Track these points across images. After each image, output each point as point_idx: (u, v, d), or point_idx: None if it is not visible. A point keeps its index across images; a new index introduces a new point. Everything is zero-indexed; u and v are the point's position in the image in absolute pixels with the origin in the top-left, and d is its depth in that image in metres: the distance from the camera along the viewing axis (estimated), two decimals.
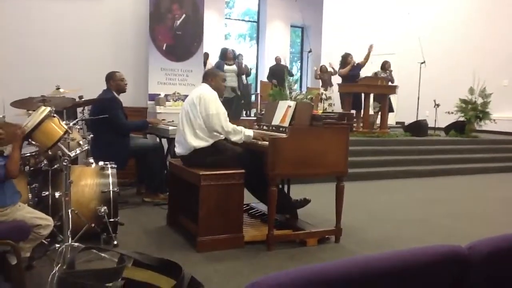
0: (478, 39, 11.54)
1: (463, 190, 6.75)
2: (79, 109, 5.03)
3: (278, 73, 11.28)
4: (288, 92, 7.69)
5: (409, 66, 11.25)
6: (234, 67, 9.93)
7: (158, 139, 5.60)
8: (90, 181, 3.57)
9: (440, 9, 12.57)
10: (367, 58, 9.84)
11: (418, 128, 9.37)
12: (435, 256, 1.15)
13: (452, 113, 9.81)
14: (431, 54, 11.24)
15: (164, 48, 6.80)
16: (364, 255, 1.13)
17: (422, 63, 10.60)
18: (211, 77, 3.96)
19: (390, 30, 13.01)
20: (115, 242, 3.48)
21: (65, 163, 2.97)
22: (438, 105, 9.90)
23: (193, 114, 3.75)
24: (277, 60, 12.01)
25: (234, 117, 6.42)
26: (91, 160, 3.83)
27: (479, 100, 9.66)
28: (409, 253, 1.14)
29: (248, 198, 4.18)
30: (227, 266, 3.26)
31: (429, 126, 9.64)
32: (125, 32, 6.70)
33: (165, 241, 3.80)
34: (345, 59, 9.83)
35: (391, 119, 10.99)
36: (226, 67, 9.64)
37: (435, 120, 9.99)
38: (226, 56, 9.92)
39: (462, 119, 9.83)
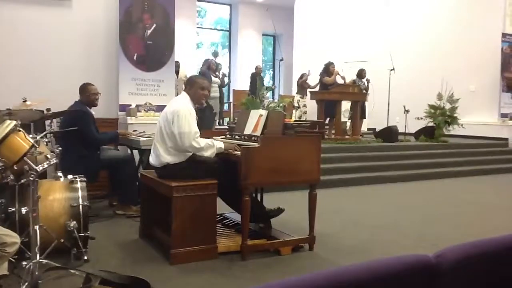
0: (446, 45, 11.82)
1: (435, 194, 6.87)
2: (47, 122, 4.92)
3: (254, 81, 11.40)
4: (259, 100, 7.72)
5: (379, 73, 11.43)
6: (217, 79, 10.00)
7: (129, 151, 5.53)
8: (59, 195, 3.49)
9: (409, 16, 12.85)
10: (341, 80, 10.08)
11: (389, 134, 9.52)
12: (403, 267, 1.16)
13: (421, 118, 10.02)
14: (400, 61, 11.45)
15: (135, 58, 6.74)
16: (334, 267, 1.13)
17: (391, 70, 10.80)
18: (189, 85, 3.89)
19: (361, 37, 13.21)
20: (86, 258, 3.40)
21: (32, 178, 2.89)
22: (407, 111, 10.08)
23: (166, 132, 3.70)
24: (258, 69, 12.09)
25: (206, 127, 6.39)
26: (60, 174, 3.75)
27: (447, 106, 9.90)
28: (377, 264, 1.14)
29: (222, 208, 4.16)
30: (201, 278, 3.22)
31: (399, 131, 9.80)
32: (95, 42, 6.62)
33: (138, 254, 3.74)
34: (328, 67, 9.94)
35: (364, 125, 11.15)
36: (214, 78, 9.71)
37: (405, 126, 10.18)
38: (210, 67, 9.95)
39: (431, 124, 10.03)
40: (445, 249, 1.28)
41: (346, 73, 10.68)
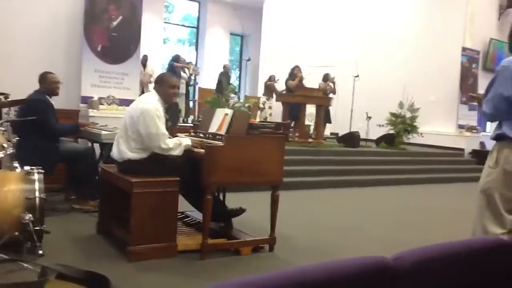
0: (409, 56, 12.11)
1: (394, 199, 7.03)
2: (4, 110, 4.74)
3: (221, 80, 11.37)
4: (225, 99, 7.70)
5: (344, 78, 11.61)
6: (185, 75, 9.88)
7: (90, 144, 5.39)
8: (14, 186, 3.36)
9: (375, 25, 13.10)
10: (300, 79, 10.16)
11: (351, 139, 9.68)
12: (361, 268, 1.17)
13: (382, 125, 10.24)
14: (365, 68, 11.68)
15: (99, 49, 6.60)
16: (293, 267, 1.13)
17: (356, 76, 10.99)
18: (158, 83, 3.83)
19: (327, 42, 13.37)
20: (40, 252, 3.29)
21: None
22: (370, 118, 10.30)
23: (131, 129, 3.62)
24: (226, 67, 12.06)
25: (172, 124, 6.31)
26: (16, 165, 3.62)
27: (408, 114, 10.16)
28: (336, 265, 1.15)
29: (184, 206, 4.12)
30: (159, 276, 3.18)
31: (361, 137, 9.98)
32: (57, 30, 6.44)
33: (95, 250, 3.65)
34: (292, 71, 10.04)
35: (328, 130, 11.30)
36: (182, 74, 9.59)
37: (367, 132, 10.37)
38: (179, 62, 9.83)
39: (392, 131, 10.27)
40: (403, 251, 1.31)
41: (312, 77, 10.80)
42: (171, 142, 3.62)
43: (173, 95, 3.87)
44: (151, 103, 3.66)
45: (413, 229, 5.08)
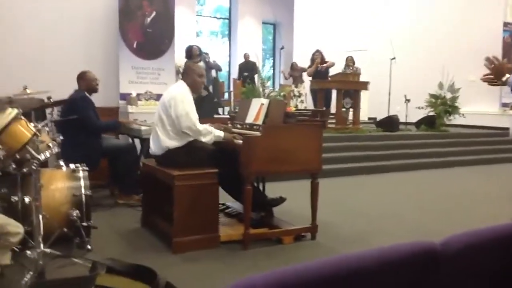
0: (447, 35, 11.75)
1: (435, 184, 6.87)
2: (48, 110, 4.89)
3: (247, 69, 11.30)
4: (261, 89, 7.69)
5: (380, 62, 11.38)
6: (201, 63, 9.78)
7: (130, 139, 5.51)
8: (61, 184, 3.48)
9: (411, 5, 12.76)
10: (329, 65, 9.99)
11: (389, 123, 9.50)
12: (409, 254, 1.16)
13: (422, 108, 9.99)
14: (401, 50, 11.40)
15: (134, 46, 6.71)
16: (338, 255, 1.13)
17: (392, 59, 10.74)
18: (186, 73, 3.93)
19: (361, 26, 13.12)
20: (89, 247, 3.41)
21: (34, 167, 2.89)
22: (408, 101, 10.06)
23: (166, 116, 3.72)
24: (246, 57, 11.97)
25: (207, 116, 6.36)
26: (62, 163, 3.74)
27: (448, 95, 9.87)
28: (383, 251, 1.14)
29: (225, 197, 4.16)
30: (203, 266, 3.23)
31: (400, 121, 9.78)
32: (94, 30, 6.58)
33: (140, 243, 3.75)
34: (313, 56, 9.93)
35: (364, 114, 11.12)
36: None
37: (406, 115, 10.15)
38: (192, 53, 9.77)
39: (432, 114, 10.02)
40: (450, 236, 1.29)
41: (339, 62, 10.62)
42: (200, 126, 3.69)
43: (201, 84, 3.98)
44: (179, 90, 3.78)
45: (457, 214, 4.95)
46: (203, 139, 3.69)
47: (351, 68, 10.21)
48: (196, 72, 3.90)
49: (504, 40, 11.08)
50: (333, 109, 9.34)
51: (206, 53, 11.18)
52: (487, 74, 2.73)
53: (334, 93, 9.26)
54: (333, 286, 1.06)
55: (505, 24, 11.08)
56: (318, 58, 9.87)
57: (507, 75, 2.62)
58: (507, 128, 10.68)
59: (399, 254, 1.17)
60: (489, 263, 1.34)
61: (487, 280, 1.34)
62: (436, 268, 1.20)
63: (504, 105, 11.05)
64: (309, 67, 10.08)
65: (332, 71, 10.10)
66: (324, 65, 10.02)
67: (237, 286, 0.95)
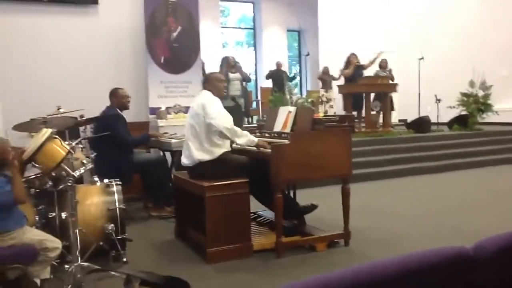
0: (475, 31, 11.52)
1: (471, 184, 6.71)
2: (81, 128, 5.04)
3: (278, 78, 11.30)
4: (288, 97, 7.69)
5: (408, 62, 11.23)
6: (238, 74, 9.87)
7: (161, 153, 5.61)
8: (96, 199, 3.58)
9: (437, 3, 12.57)
10: (372, 62, 9.83)
11: (421, 124, 9.34)
12: (441, 259, 1.15)
13: (454, 107, 9.79)
14: (429, 50, 11.22)
15: (162, 61, 6.82)
16: (372, 261, 1.12)
17: (420, 59, 10.58)
18: (206, 82, 4.00)
19: (387, 27, 13.01)
20: (125, 259, 3.48)
21: (69, 183, 2.98)
22: (439, 100, 9.87)
23: (198, 125, 3.76)
24: (278, 65, 11.99)
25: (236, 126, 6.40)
26: (96, 179, 3.84)
27: (480, 93, 9.64)
28: (414, 257, 1.13)
29: (256, 206, 4.18)
30: (237, 276, 3.25)
31: (432, 121, 9.60)
32: (122, 47, 6.73)
33: (174, 254, 3.80)
34: (348, 59, 9.81)
35: (394, 117, 10.97)
36: (230, 75, 9.61)
37: (438, 116, 9.96)
38: (229, 63, 9.87)
39: (464, 112, 9.80)
40: (483, 240, 1.26)
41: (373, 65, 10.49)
42: (236, 127, 3.71)
43: (223, 88, 4.07)
44: (206, 97, 3.85)
45: (492, 215, 4.81)
46: (239, 141, 3.71)
47: (385, 71, 10.10)
48: (216, 78, 4.02)
49: None
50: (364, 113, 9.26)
51: (238, 62, 11.31)
52: None
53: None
54: None
55: None
56: (355, 60, 9.75)
57: None
58: None
59: (430, 260, 1.16)
60: None
61: None
62: (470, 274, 1.18)
63: None
64: (344, 69, 9.94)
65: (366, 74, 9.99)
66: (365, 68, 9.89)
67: None
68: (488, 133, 9.43)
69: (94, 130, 4.91)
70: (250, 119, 11.92)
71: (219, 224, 3.51)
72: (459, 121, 9.80)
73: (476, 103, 9.59)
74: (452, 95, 9.78)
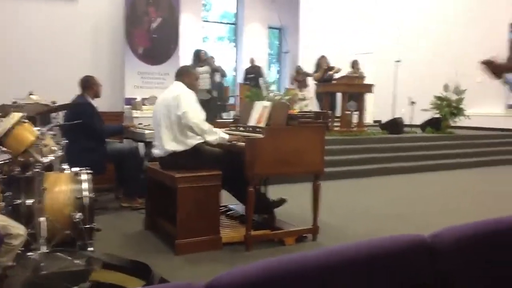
0: (452, 36, 11.73)
1: (440, 185, 6.85)
2: (53, 115, 4.95)
3: (253, 74, 11.35)
4: (265, 93, 7.71)
5: (385, 64, 11.37)
6: (206, 67, 9.82)
7: (134, 143, 5.56)
8: (65, 187, 3.52)
9: (415, 7, 12.75)
10: (337, 71, 9.95)
11: (394, 125, 9.48)
12: (398, 246, 1.17)
13: (427, 110, 9.96)
14: (406, 52, 11.39)
15: (140, 51, 6.77)
16: (328, 248, 1.14)
17: (397, 61, 10.73)
18: (185, 75, 3.96)
19: (366, 29, 13.14)
20: (92, 249, 3.43)
21: (37, 170, 2.93)
22: (413, 103, 10.04)
23: (172, 116, 3.72)
24: (251, 61, 12.04)
25: (210, 119, 6.40)
26: (66, 166, 3.78)
27: (454, 97, 9.84)
28: (372, 243, 1.15)
29: (228, 199, 4.18)
30: (205, 268, 3.25)
31: (405, 123, 9.76)
32: (100, 35, 6.65)
33: (144, 245, 3.78)
34: (318, 62, 9.94)
35: (369, 117, 11.11)
36: (198, 69, 9.57)
37: (411, 118, 10.13)
38: (200, 57, 9.82)
39: (437, 115, 9.99)
40: (441, 229, 1.29)
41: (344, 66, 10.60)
42: (207, 125, 3.71)
43: (198, 86, 4.12)
44: (182, 89, 3.81)
45: (461, 215, 4.92)
46: (208, 138, 3.70)
47: (356, 71, 10.21)
48: (195, 75, 4.03)
49: (510, 41, 11.03)
50: (338, 113, 9.35)
51: (212, 57, 11.24)
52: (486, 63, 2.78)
53: (339, 96, 9.27)
54: (324, 277, 1.07)
55: (511, 26, 11.03)
56: (324, 63, 9.86)
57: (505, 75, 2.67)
58: None
59: (387, 246, 1.18)
60: (483, 256, 1.34)
61: (487, 273, 1.34)
62: (427, 261, 1.21)
63: (510, 106, 11.00)
64: (315, 72, 10.08)
65: (337, 75, 10.08)
66: (332, 71, 10.00)
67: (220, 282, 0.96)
68: (459, 137, 9.63)
69: (66, 118, 4.83)
70: (227, 114, 11.92)
71: (190, 215, 3.50)
72: (432, 124, 9.99)
73: (449, 106, 9.79)
74: (427, 98, 9.96)
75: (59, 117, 4.93)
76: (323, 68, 9.75)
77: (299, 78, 11.26)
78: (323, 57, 9.96)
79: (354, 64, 10.31)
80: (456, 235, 1.30)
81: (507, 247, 1.36)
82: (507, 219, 1.43)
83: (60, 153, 3.43)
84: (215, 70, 10.01)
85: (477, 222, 1.41)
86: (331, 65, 10.13)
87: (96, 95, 4.94)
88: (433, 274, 1.20)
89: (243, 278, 0.95)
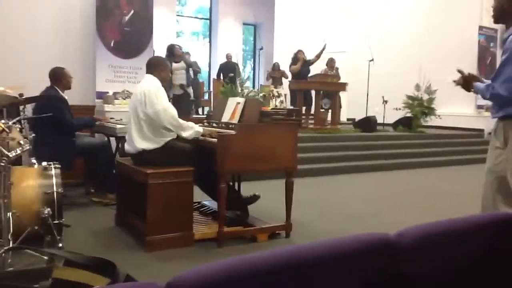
0: (424, 37, 11.93)
1: (411, 183, 6.97)
2: (20, 108, 4.82)
3: (228, 70, 11.27)
4: (239, 89, 7.69)
5: (358, 63, 11.50)
6: (182, 63, 9.73)
7: (105, 138, 5.46)
8: (32, 182, 3.44)
9: (389, 8, 12.91)
10: (318, 56, 9.94)
11: (367, 124, 9.60)
12: (363, 244, 1.18)
13: (399, 109, 10.12)
14: (379, 52, 11.53)
15: (112, 44, 6.65)
16: (292, 246, 1.14)
17: (370, 60, 10.86)
18: (158, 67, 3.87)
19: (340, 28, 13.24)
20: (60, 245, 3.36)
21: (3, 164, 2.85)
22: (386, 102, 10.19)
23: (141, 113, 3.66)
24: (228, 57, 11.97)
25: (184, 115, 6.34)
26: (34, 161, 3.69)
27: (425, 96, 10.02)
28: (336, 242, 1.16)
29: (200, 196, 4.15)
30: (176, 265, 3.22)
31: (378, 122, 9.88)
32: (71, 27, 6.50)
33: (114, 241, 3.72)
34: (295, 55, 9.92)
35: (343, 115, 11.22)
36: (174, 65, 9.45)
37: (384, 116, 10.27)
38: (174, 52, 9.70)
39: (409, 115, 10.16)
40: (405, 228, 1.31)
41: (321, 63, 10.64)
42: (180, 121, 3.68)
43: (169, 79, 4.12)
44: (151, 84, 3.72)
45: (431, 213, 5.02)
46: (184, 134, 3.68)
47: (332, 70, 10.27)
48: (166, 66, 3.95)
49: (479, 43, 11.29)
50: (313, 110, 9.41)
51: (187, 53, 11.13)
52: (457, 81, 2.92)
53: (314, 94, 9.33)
54: (288, 275, 1.07)
55: (481, 28, 11.31)
56: (302, 55, 9.86)
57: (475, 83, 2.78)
58: (482, 130, 10.88)
59: (352, 245, 1.19)
60: (449, 256, 1.36)
61: (451, 271, 1.37)
62: (391, 260, 1.22)
63: (480, 107, 11.27)
64: (290, 65, 10.05)
65: (313, 71, 10.10)
66: (314, 57, 9.98)
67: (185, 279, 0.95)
68: (429, 136, 9.83)
69: (34, 111, 4.71)
70: (201, 110, 11.83)
71: (161, 212, 3.46)
72: (404, 123, 10.16)
73: (420, 106, 9.97)
74: (400, 98, 10.12)
75: (26, 110, 4.80)
76: (302, 61, 9.75)
77: (276, 74, 11.26)
78: (300, 51, 9.96)
79: (330, 62, 10.36)
80: (419, 234, 1.31)
81: (468, 245, 1.39)
82: (469, 218, 1.46)
83: (28, 147, 3.34)
84: (190, 66, 9.90)
85: (441, 221, 1.43)
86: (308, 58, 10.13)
87: (67, 87, 4.82)
88: (396, 273, 1.21)
89: (204, 277, 0.94)
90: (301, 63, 9.72)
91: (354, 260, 1.14)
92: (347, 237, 1.17)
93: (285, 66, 11.08)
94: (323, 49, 9.86)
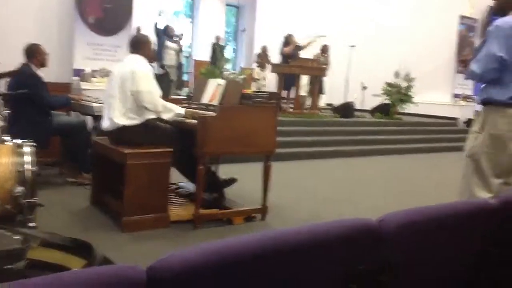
0: (405, 25, 11.98)
1: (388, 169, 7.07)
2: None
3: (216, 51, 11.24)
4: (220, 71, 7.63)
5: (339, 49, 11.50)
6: (176, 45, 9.65)
7: (82, 117, 5.36)
8: (5, 159, 3.34)
9: None
10: (310, 44, 9.97)
11: (346, 109, 9.66)
12: (346, 230, 1.18)
13: (378, 96, 10.20)
14: (360, 38, 11.55)
15: (91, 21, 6.51)
16: (277, 230, 1.14)
17: (352, 46, 10.87)
18: (142, 45, 3.82)
19: (322, 12, 13.20)
20: (33, 224, 3.30)
21: None
22: (365, 88, 10.25)
23: (128, 91, 3.59)
24: (218, 39, 11.93)
25: (163, 95, 6.28)
26: (8, 138, 3.60)
27: (404, 84, 10.11)
28: (319, 227, 1.16)
29: (177, 177, 4.13)
30: (152, 246, 3.21)
31: (357, 108, 9.95)
32: (49, 3, 6.33)
33: (89, 222, 3.68)
34: (287, 39, 9.90)
35: (322, 100, 11.25)
36: (168, 43, 9.34)
37: (362, 102, 10.34)
38: (169, 32, 9.60)
39: (387, 101, 10.25)
40: (388, 214, 1.32)
41: (313, 48, 10.65)
42: (162, 103, 3.65)
43: (153, 56, 4.07)
44: (140, 64, 3.69)
45: (408, 199, 5.10)
46: (164, 116, 3.65)
47: (320, 56, 10.32)
48: (151, 44, 3.93)
49: (459, 33, 11.40)
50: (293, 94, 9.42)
51: (182, 34, 11.05)
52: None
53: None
54: (271, 259, 1.07)
55: (462, 18, 11.40)
56: (294, 39, 9.86)
57: None
58: (457, 118, 11.07)
59: (336, 230, 1.19)
60: (429, 241, 1.38)
61: (433, 257, 1.39)
62: (374, 245, 1.23)
63: (456, 96, 11.44)
64: (282, 48, 10.01)
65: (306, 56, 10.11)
66: (306, 43, 10.00)
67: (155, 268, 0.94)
68: (406, 123, 9.96)
69: (9, 87, 4.58)
70: (179, 91, 11.72)
71: (138, 192, 3.43)
72: (381, 109, 10.26)
73: (398, 93, 10.07)
74: (379, 84, 10.19)
75: (1, 86, 4.68)
76: (294, 45, 9.75)
77: (263, 58, 11.24)
78: (291, 35, 9.95)
79: (324, 49, 10.40)
80: (401, 220, 1.32)
81: (448, 232, 1.41)
82: (448, 205, 1.48)
83: (1, 123, 3.26)
84: (181, 49, 9.88)
85: (420, 207, 1.45)
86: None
87: (42, 64, 4.69)
88: (379, 259, 1.22)
89: (185, 262, 0.93)
90: (293, 47, 9.72)
91: (338, 245, 1.14)
92: (331, 222, 1.18)
93: (273, 48, 11.02)
94: (315, 40, 9.89)
